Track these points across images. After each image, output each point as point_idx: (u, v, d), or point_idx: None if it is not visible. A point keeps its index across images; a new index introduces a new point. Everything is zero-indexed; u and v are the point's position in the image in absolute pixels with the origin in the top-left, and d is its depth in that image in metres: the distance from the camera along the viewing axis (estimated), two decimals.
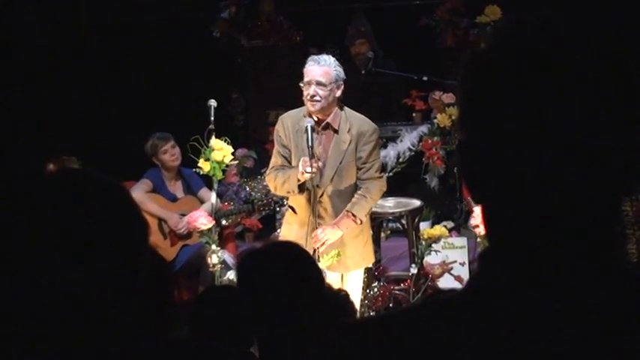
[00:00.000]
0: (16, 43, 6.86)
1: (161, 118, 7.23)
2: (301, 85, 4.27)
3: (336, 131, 4.31)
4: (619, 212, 0.88)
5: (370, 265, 4.83)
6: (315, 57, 4.32)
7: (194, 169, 5.15)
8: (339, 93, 4.27)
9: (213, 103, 5.14)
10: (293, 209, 4.45)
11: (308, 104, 4.24)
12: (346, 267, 4.46)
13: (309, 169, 4.11)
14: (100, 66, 7.54)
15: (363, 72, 6.90)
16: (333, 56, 4.43)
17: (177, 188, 5.97)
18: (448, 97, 6.15)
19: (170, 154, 5.83)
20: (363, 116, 4.44)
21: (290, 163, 4.38)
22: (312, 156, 4.13)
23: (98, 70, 7.52)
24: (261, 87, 7.58)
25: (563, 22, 0.86)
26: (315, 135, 4.25)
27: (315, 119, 4.27)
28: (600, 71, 0.83)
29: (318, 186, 4.27)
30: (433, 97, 6.29)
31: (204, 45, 7.65)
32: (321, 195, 4.31)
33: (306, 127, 4.18)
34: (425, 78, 6.61)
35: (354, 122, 4.34)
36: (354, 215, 4.31)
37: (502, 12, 6.46)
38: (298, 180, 4.19)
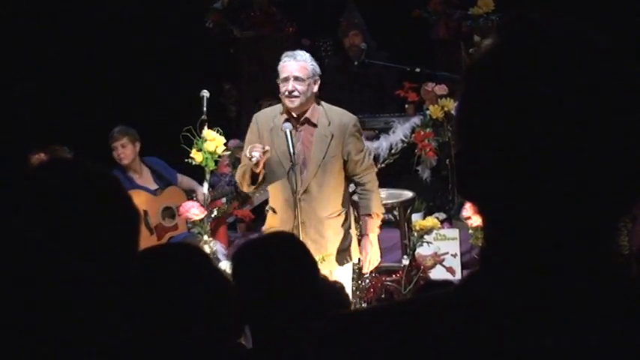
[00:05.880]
0: (10, 33, 6.83)
1: (153, 108, 7.22)
2: (278, 81, 4.21)
3: (315, 125, 4.24)
4: (616, 220, 0.88)
5: (354, 261, 4.76)
6: (290, 53, 4.27)
7: (187, 159, 5.11)
8: (316, 88, 4.22)
9: (205, 93, 5.14)
10: (274, 210, 4.38)
11: (286, 101, 4.17)
12: (332, 265, 4.39)
13: (255, 154, 4.05)
14: (92, 56, 7.51)
15: (355, 63, 6.90)
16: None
17: (146, 180, 5.85)
18: (441, 89, 6.16)
19: (117, 152, 5.70)
20: (341, 109, 4.39)
21: None
22: (294, 162, 4.10)
23: (90, 60, 7.49)
24: (254, 78, 7.57)
25: (561, 32, 0.86)
26: (294, 132, 4.19)
27: (295, 115, 4.22)
28: (601, 81, 0.83)
29: (295, 192, 4.18)
30: (426, 89, 6.29)
31: (197, 35, 7.63)
32: (304, 191, 4.22)
33: (285, 133, 4.12)
34: (418, 70, 6.61)
35: (333, 116, 4.28)
36: (376, 215, 4.38)
37: (495, 4, 6.47)
38: (252, 171, 4.16)
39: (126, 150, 5.70)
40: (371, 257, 4.44)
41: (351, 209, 4.61)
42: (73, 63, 7.39)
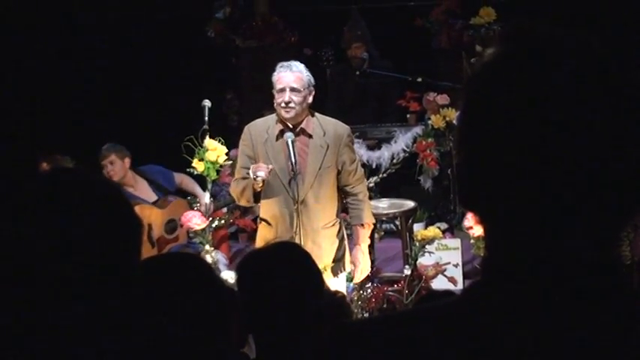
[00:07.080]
0: (12, 40, 6.84)
1: (155, 118, 7.23)
2: (274, 92, 4.21)
3: (310, 136, 4.23)
4: (618, 230, 0.88)
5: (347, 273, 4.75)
6: (286, 63, 4.25)
7: (188, 168, 5.10)
8: (310, 99, 4.22)
9: (207, 103, 5.14)
10: (267, 222, 4.34)
11: (282, 112, 4.16)
12: (327, 275, 4.32)
13: (261, 173, 4.05)
14: (95, 65, 7.52)
15: (357, 73, 6.90)
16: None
17: (144, 191, 5.80)
18: (442, 99, 6.16)
19: (106, 170, 5.62)
20: (334, 119, 4.39)
21: None
22: (296, 171, 4.10)
23: (92, 70, 7.50)
24: (256, 87, 7.56)
25: (562, 41, 0.86)
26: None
27: (290, 126, 4.21)
28: (603, 90, 0.83)
29: (295, 198, 4.17)
30: (427, 99, 6.30)
31: (199, 45, 7.64)
32: (301, 202, 4.20)
33: (287, 142, 4.12)
34: (419, 79, 6.62)
35: (327, 127, 4.27)
36: (368, 225, 4.43)
37: (496, 14, 6.49)
38: (254, 189, 4.15)
39: (115, 167, 5.63)
40: (362, 267, 4.48)
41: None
42: (76, 73, 7.40)
